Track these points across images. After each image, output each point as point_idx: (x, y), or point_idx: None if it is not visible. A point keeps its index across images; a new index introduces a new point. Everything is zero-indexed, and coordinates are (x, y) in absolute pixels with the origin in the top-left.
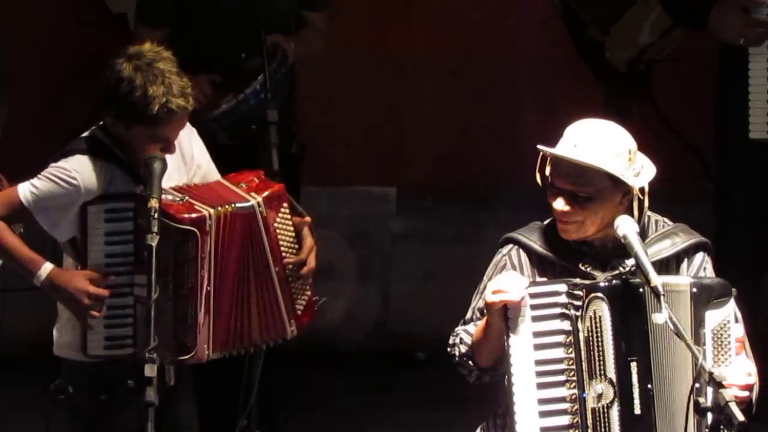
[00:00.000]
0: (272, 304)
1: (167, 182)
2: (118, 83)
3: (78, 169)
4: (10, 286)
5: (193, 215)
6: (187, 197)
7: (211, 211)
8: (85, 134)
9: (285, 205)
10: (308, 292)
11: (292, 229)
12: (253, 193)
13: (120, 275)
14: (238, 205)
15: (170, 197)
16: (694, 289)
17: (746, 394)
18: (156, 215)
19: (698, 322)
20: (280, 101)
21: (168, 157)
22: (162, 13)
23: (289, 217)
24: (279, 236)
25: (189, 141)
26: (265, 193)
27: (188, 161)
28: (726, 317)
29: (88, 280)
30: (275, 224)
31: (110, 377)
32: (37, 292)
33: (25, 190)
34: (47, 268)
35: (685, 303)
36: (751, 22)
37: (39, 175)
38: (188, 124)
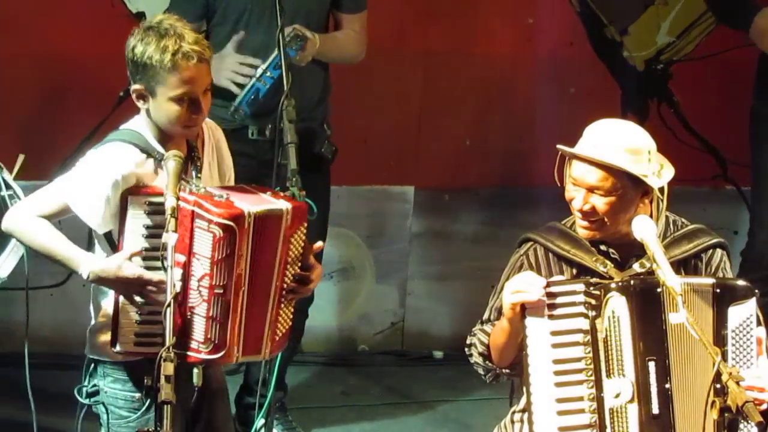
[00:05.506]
0: (259, 318)
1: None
2: (134, 52)
3: (115, 158)
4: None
5: (233, 211)
6: (227, 195)
7: (251, 209)
8: (123, 126)
9: (305, 224)
10: (290, 320)
11: (301, 250)
12: (282, 200)
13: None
14: (269, 207)
15: (215, 195)
16: (717, 290)
17: (766, 396)
18: (174, 214)
19: (720, 323)
20: (296, 95)
21: (210, 163)
22: (190, 14)
23: (303, 238)
24: (290, 252)
25: (225, 147)
26: (292, 204)
27: (227, 170)
28: (748, 319)
29: (134, 263)
30: (291, 239)
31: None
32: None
33: (61, 183)
34: (89, 265)
35: (708, 303)
36: None
37: (75, 167)
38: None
